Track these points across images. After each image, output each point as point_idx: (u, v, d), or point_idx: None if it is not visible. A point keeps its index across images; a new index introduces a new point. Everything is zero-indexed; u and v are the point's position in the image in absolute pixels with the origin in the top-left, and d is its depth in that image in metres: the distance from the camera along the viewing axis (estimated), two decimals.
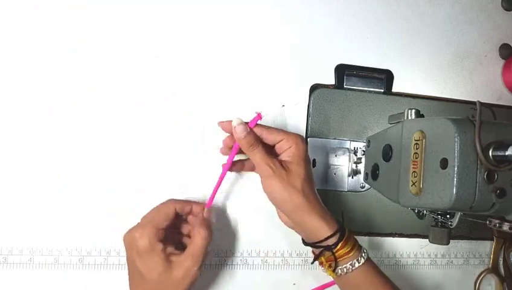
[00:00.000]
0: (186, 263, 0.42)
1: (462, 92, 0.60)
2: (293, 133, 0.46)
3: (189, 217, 0.47)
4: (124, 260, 0.48)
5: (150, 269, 0.42)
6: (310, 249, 0.49)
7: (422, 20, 0.59)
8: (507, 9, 0.61)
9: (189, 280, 0.42)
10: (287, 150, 0.45)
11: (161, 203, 0.46)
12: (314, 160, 0.54)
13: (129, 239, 0.43)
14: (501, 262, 0.59)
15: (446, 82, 0.59)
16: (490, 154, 0.36)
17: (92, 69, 0.49)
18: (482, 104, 0.37)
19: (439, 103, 0.58)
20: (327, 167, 0.55)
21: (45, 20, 0.48)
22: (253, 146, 0.44)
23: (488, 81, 0.60)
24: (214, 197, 0.48)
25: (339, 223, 0.46)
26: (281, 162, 0.44)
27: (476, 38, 0.60)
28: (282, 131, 0.46)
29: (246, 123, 0.44)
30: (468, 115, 0.38)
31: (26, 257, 0.47)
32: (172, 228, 0.46)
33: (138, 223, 0.45)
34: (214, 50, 0.52)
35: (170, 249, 0.43)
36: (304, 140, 0.46)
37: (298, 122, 0.54)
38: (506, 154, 0.34)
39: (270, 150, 0.45)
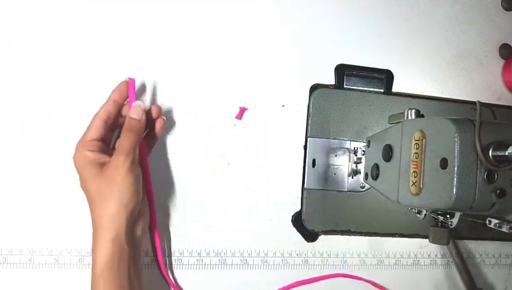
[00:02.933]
0: (114, 161, 0.41)
1: (462, 92, 0.60)
2: None
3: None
4: None
5: (86, 179, 0.42)
6: (309, 249, 0.49)
7: (422, 20, 0.59)
8: (507, 9, 0.61)
9: (122, 173, 0.41)
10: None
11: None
12: (314, 160, 0.54)
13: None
14: None
15: (446, 82, 0.59)
16: (490, 154, 0.36)
17: (92, 69, 0.49)
18: (482, 104, 0.37)
19: (439, 103, 0.58)
20: (327, 167, 0.55)
21: (45, 20, 0.48)
22: (138, 133, 0.44)
23: (488, 81, 0.60)
24: (133, 93, 0.46)
25: None
26: None
27: (476, 38, 0.60)
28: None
29: None
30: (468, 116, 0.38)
31: (26, 257, 0.47)
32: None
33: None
34: (214, 50, 0.52)
35: (106, 158, 0.43)
36: None
37: (298, 122, 0.54)
38: (506, 154, 0.34)
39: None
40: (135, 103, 0.45)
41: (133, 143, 0.42)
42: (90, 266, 0.48)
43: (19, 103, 0.47)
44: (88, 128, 0.44)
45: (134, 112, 0.44)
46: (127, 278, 0.41)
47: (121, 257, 0.41)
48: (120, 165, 0.41)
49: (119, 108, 0.46)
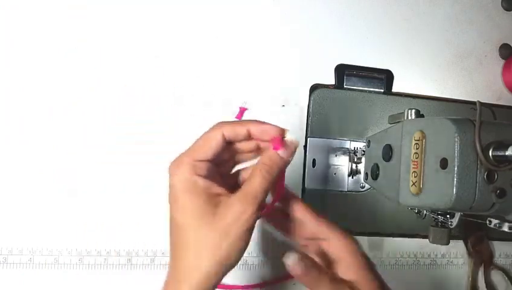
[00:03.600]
0: (236, 206, 0.31)
1: (462, 92, 0.60)
2: (341, 231, 0.35)
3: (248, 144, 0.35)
4: (124, 260, 0.49)
5: (186, 213, 0.31)
6: None
7: (422, 20, 0.59)
8: (507, 9, 0.61)
9: (240, 227, 0.31)
10: (343, 262, 0.34)
11: (210, 128, 0.34)
12: (314, 160, 0.54)
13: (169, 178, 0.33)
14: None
15: (446, 82, 0.59)
16: (490, 154, 0.36)
17: (92, 69, 0.49)
18: (482, 104, 0.37)
19: (439, 103, 0.58)
20: (327, 167, 0.55)
21: (45, 20, 0.48)
22: (317, 280, 0.33)
23: (488, 81, 0.60)
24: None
25: None
26: (350, 287, 0.33)
27: (476, 38, 0.60)
28: (331, 227, 0.35)
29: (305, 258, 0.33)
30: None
31: (26, 257, 0.47)
32: (226, 162, 0.35)
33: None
34: (213, 50, 0.52)
35: (218, 189, 0.32)
36: (357, 241, 0.36)
37: (298, 122, 0.54)
38: (506, 154, 0.34)
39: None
40: (291, 138, 0.33)
41: (267, 189, 0.32)
42: (90, 266, 0.48)
43: (19, 103, 0.47)
44: (198, 141, 0.33)
45: (288, 153, 0.33)
46: None
47: None
48: (245, 218, 0.31)
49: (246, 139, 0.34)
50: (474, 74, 0.60)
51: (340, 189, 0.55)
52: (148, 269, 0.50)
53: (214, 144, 0.32)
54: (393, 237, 0.57)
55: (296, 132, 0.54)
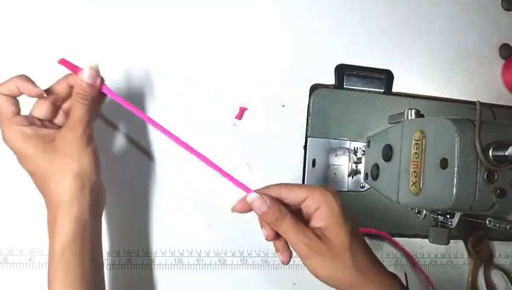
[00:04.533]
0: (69, 134, 0.37)
1: (462, 92, 0.60)
2: (319, 187, 0.37)
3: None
4: (125, 259, 0.49)
5: (32, 160, 0.37)
6: None
7: (422, 20, 0.59)
8: (507, 9, 0.62)
9: (84, 150, 0.38)
10: (317, 212, 0.37)
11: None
12: (314, 160, 0.54)
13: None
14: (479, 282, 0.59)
15: (446, 82, 0.59)
16: (490, 154, 0.36)
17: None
18: (482, 104, 0.37)
19: (439, 103, 0.58)
20: (327, 167, 0.55)
21: (45, 20, 0.48)
22: (278, 219, 0.36)
23: (488, 81, 0.60)
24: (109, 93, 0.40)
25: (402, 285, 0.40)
26: (314, 232, 0.36)
27: (476, 38, 0.60)
28: (304, 187, 0.39)
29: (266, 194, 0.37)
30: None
31: (26, 257, 0.47)
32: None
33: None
34: (213, 50, 0.52)
35: (45, 130, 0.38)
36: (335, 193, 0.38)
37: (298, 122, 0.54)
38: (506, 154, 0.34)
39: (298, 215, 0.38)
40: (91, 64, 0.39)
41: (88, 112, 0.38)
42: None
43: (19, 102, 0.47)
44: (9, 101, 0.37)
45: (88, 74, 0.38)
46: (89, 259, 0.38)
47: (84, 236, 0.38)
48: (77, 138, 0.37)
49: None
50: (474, 74, 0.60)
51: (340, 189, 0.55)
52: (148, 269, 0.50)
53: (47, 112, 0.39)
54: (393, 237, 0.57)
55: (296, 132, 0.54)
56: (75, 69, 0.39)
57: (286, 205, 0.37)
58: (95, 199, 0.39)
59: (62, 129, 0.38)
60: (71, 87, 0.39)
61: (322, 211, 0.36)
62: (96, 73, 0.39)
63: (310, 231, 0.36)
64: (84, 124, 0.38)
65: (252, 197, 0.37)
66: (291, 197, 0.38)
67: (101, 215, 0.43)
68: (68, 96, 0.40)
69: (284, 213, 0.36)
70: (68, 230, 0.37)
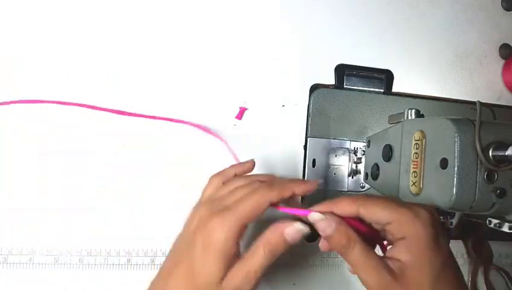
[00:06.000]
0: (238, 278, 0.32)
1: (462, 92, 0.60)
2: (408, 211, 0.31)
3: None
4: (124, 260, 0.48)
5: (206, 268, 0.32)
6: (310, 248, 0.49)
7: (422, 20, 0.59)
8: (507, 9, 0.61)
9: None
10: (401, 242, 0.31)
11: (253, 186, 0.34)
12: (314, 160, 0.54)
13: (201, 219, 0.33)
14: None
15: (446, 82, 0.59)
16: (490, 154, 0.36)
17: (91, 69, 0.49)
18: (482, 104, 0.37)
19: (439, 103, 0.58)
20: (327, 167, 0.55)
21: (45, 21, 0.48)
22: (345, 246, 0.31)
23: (488, 81, 0.60)
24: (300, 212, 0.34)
25: None
26: (390, 268, 0.31)
27: (476, 38, 0.60)
28: (389, 207, 0.31)
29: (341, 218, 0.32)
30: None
31: (26, 257, 0.47)
32: None
33: (221, 200, 0.33)
34: (213, 50, 0.52)
35: (239, 252, 0.33)
36: (430, 218, 0.31)
37: (298, 122, 0.54)
38: (506, 154, 0.34)
39: (372, 234, 0.32)
40: (300, 227, 0.33)
41: (267, 266, 0.32)
42: (91, 266, 0.48)
43: (19, 102, 0.48)
44: (247, 203, 0.33)
45: (293, 236, 0.33)
46: None
47: None
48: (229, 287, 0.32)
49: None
50: (474, 74, 0.60)
51: (340, 189, 0.55)
52: (148, 269, 0.49)
53: (260, 213, 0.33)
54: None
55: (296, 132, 0.54)
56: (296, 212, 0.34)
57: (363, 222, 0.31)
58: None
59: (236, 267, 0.32)
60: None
61: (408, 244, 0.31)
62: (300, 237, 0.33)
63: (384, 268, 0.30)
64: (256, 278, 0.32)
65: (315, 217, 0.32)
66: (371, 217, 0.31)
67: None
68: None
69: (353, 241, 0.31)
70: None
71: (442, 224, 0.45)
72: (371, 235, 0.32)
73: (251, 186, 0.34)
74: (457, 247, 0.58)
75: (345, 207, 0.32)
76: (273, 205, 0.34)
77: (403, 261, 0.31)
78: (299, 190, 0.35)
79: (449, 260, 0.32)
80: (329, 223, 0.31)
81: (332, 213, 0.32)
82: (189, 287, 0.32)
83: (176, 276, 0.33)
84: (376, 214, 0.31)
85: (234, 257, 0.32)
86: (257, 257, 0.32)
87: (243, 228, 0.32)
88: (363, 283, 0.31)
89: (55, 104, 0.48)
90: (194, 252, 0.32)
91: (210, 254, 0.32)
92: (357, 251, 0.31)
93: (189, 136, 0.51)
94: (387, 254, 0.32)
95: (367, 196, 0.33)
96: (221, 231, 0.31)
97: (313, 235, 0.33)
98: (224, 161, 0.52)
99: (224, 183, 0.38)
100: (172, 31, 0.51)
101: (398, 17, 0.58)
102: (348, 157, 0.56)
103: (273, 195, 0.33)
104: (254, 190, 0.33)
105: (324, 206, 0.32)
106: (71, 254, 0.48)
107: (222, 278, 0.31)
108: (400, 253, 0.31)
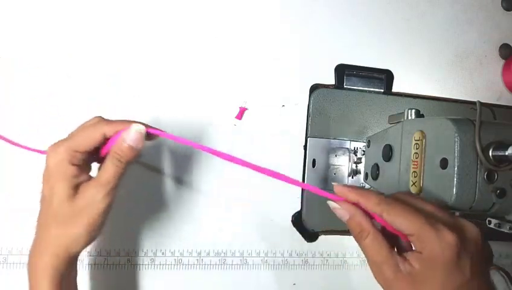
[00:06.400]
0: (90, 191, 0.35)
1: (462, 92, 0.60)
2: (433, 228, 0.31)
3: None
4: (124, 259, 0.49)
5: (52, 194, 0.36)
6: (309, 249, 0.49)
7: (422, 20, 0.59)
8: (507, 9, 0.61)
9: (92, 210, 0.35)
10: (419, 255, 0.31)
11: (90, 122, 0.37)
12: (314, 160, 0.54)
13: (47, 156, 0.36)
14: None
15: (446, 82, 0.59)
16: (490, 154, 0.36)
17: (90, 69, 0.49)
18: (482, 104, 0.37)
19: (439, 103, 0.58)
20: (327, 167, 0.55)
21: (45, 21, 0.48)
22: (358, 236, 0.33)
23: (488, 81, 0.60)
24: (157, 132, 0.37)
25: None
26: (399, 263, 0.31)
27: (476, 38, 0.60)
28: (416, 219, 0.31)
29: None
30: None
31: (26, 257, 0.47)
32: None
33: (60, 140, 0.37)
34: (213, 50, 0.52)
35: (83, 176, 0.36)
36: (455, 241, 0.30)
37: (298, 122, 0.54)
38: (506, 154, 0.34)
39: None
40: (137, 127, 0.35)
41: (119, 175, 0.36)
42: (91, 267, 0.48)
43: (18, 101, 0.47)
44: (79, 134, 0.36)
45: (133, 138, 0.35)
46: None
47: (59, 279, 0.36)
48: (98, 200, 0.35)
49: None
50: (474, 74, 0.60)
51: None
52: (149, 269, 0.50)
53: (92, 142, 0.36)
54: None
55: (296, 132, 0.54)
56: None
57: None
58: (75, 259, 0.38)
59: (89, 183, 0.36)
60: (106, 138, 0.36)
61: (424, 258, 0.31)
62: (141, 137, 0.36)
63: (389, 264, 0.31)
64: (110, 186, 0.36)
65: (332, 206, 0.34)
66: (391, 224, 0.32)
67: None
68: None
69: (365, 232, 0.32)
70: (46, 272, 0.36)
71: (483, 246, 0.41)
72: (392, 230, 0.33)
73: (90, 122, 0.37)
74: None
75: (369, 205, 0.33)
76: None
77: (415, 269, 0.31)
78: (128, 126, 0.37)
79: (472, 285, 0.31)
80: (344, 214, 0.33)
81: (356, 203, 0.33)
82: (48, 216, 0.36)
83: (40, 214, 0.38)
84: (397, 224, 0.31)
85: (76, 177, 0.36)
86: (107, 169, 0.36)
87: (75, 153, 0.36)
88: (370, 265, 0.33)
89: (55, 104, 0.48)
90: (42, 188, 0.37)
91: (50, 179, 0.36)
92: (368, 241, 0.32)
93: (191, 139, 0.51)
94: (406, 255, 0.32)
95: (394, 200, 0.33)
96: (52, 157, 0.36)
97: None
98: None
99: None
100: (172, 31, 0.51)
101: (398, 17, 0.58)
102: (348, 157, 0.56)
103: (105, 128, 0.36)
104: (90, 124, 0.37)
105: (352, 193, 0.33)
106: None
107: (72, 196, 0.35)
108: (415, 261, 0.31)
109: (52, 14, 0.48)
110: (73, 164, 0.36)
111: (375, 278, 0.32)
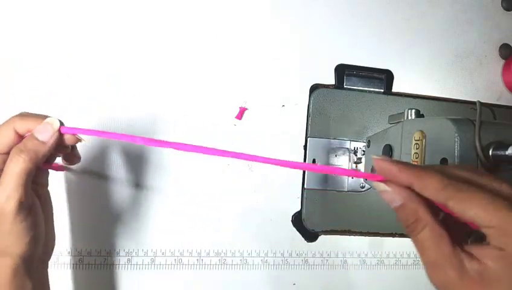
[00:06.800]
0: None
1: (462, 92, 0.60)
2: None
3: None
4: (124, 259, 0.49)
5: None
6: (309, 249, 0.49)
7: (422, 20, 0.59)
8: (507, 9, 0.61)
9: (12, 225, 0.31)
10: (496, 251, 0.25)
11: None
12: (314, 160, 0.54)
13: None
14: None
15: (446, 82, 0.59)
16: (490, 154, 0.36)
17: (90, 69, 0.49)
18: (482, 104, 0.37)
19: (439, 103, 0.58)
20: None
21: (45, 21, 0.48)
22: (412, 227, 0.27)
23: (488, 81, 0.60)
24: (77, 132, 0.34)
25: None
26: (464, 261, 0.26)
27: (476, 38, 0.60)
28: (498, 205, 0.25)
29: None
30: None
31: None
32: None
33: None
34: (213, 50, 0.52)
35: None
36: None
37: (298, 122, 0.54)
38: (506, 153, 0.34)
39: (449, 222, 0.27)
40: (48, 119, 0.33)
41: (26, 175, 0.32)
42: (91, 266, 0.48)
43: (19, 100, 0.48)
44: None
45: (42, 130, 0.32)
46: None
47: None
48: (5, 206, 0.31)
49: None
50: (474, 74, 0.60)
51: (340, 189, 0.55)
52: (149, 269, 0.50)
53: (5, 141, 0.32)
54: (393, 237, 0.57)
55: (296, 132, 0.54)
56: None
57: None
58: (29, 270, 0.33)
59: None
60: (19, 135, 0.33)
61: (505, 257, 0.25)
62: (54, 131, 0.32)
63: (453, 264, 0.26)
64: (13, 187, 0.31)
65: (379, 188, 0.27)
66: (462, 216, 0.25)
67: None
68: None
69: (421, 223, 0.26)
70: None
71: None
72: (461, 220, 0.26)
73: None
74: None
75: (430, 191, 0.26)
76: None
77: (489, 269, 0.25)
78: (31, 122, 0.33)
79: None
80: (393, 198, 0.27)
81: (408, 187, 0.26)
82: None
83: None
84: (471, 214, 0.25)
85: None
86: (11, 166, 0.31)
87: None
88: (431, 277, 0.28)
89: (55, 104, 0.48)
90: None
91: None
92: (425, 235, 0.26)
93: (191, 139, 0.51)
94: (471, 249, 0.26)
95: (462, 183, 0.26)
96: None
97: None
98: (223, 163, 0.52)
99: None
100: (172, 31, 0.51)
101: (398, 17, 0.58)
102: (348, 157, 0.56)
103: (16, 122, 0.33)
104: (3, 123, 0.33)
105: (404, 173, 0.27)
106: (71, 254, 0.48)
107: None
108: (490, 259, 0.25)
109: (52, 14, 0.48)
110: None
111: (431, 279, 0.27)
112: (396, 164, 0.27)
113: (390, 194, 0.27)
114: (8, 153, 0.32)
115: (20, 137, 0.33)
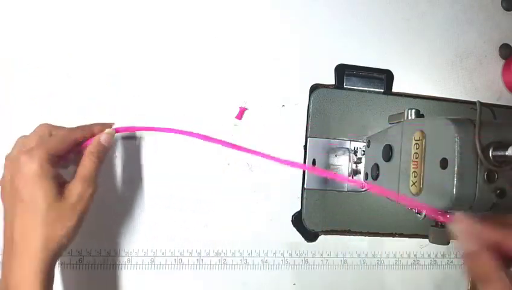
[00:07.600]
0: (78, 187, 0.39)
1: (462, 92, 0.60)
2: None
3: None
4: (124, 259, 0.49)
5: (39, 197, 0.37)
6: (309, 249, 0.49)
7: (422, 20, 0.59)
8: (507, 9, 0.61)
9: (83, 205, 0.39)
10: None
11: (60, 129, 0.43)
12: (314, 160, 0.54)
13: (12, 163, 0.38)
14: None
15: (446, 82, 0.59)
16: (490, 154, 0.36)
17: (91, 68, 0.49)
18: (482, 104, 0.37)
19: (439, 103, 0.58)
20: (327, 167, 0.55)
21: (45, 20, 0.48)
22: (479, 281, 0.27)
23: (488, 81, 0.60)
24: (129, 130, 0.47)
25: None
26: None
27: (476, 38, 0.60)
28: None
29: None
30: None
31: None
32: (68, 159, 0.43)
33: (25, 146, 0.40)
34: (213, 50, 0.52)
35: (62, 178, 0.40)
36: None
37: (298, 122, 0.54)
38: (506, 154, 0.34)
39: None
40: (109, 131, 0.44)
41: (97, 169, 0.41)
42: (91, 266, 0.48)
43: (18, 100, 0.48)
44: (55, 138, 0.41)
45: (106, 139, 0.43)
46: None
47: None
48: (89, 193, 0.40)
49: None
50: (474, 74, 0.60)
51: (340, 189, 0.55)
52: (149, 269, 0.50)
53: (66, 147, 0.40)
54: (393, 237, 0.57)
55: (296, 132, 0.54)
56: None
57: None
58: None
59: (74, 181, 0.40)
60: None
61: None
62: (111, 137, 0.44)
63: None
64: (92, 180, 0.40)
65: (458, 230, 0.28)
66: None
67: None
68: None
69: (491, 280, 0.26)
70: (28, 277, 0.36)
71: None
72: None
73: (57, 130, 0.42)
74: (457, 247, 0.58)
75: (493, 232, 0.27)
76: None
77: None
78: (97, 130, 0.44)
79: None
80: (467, 246, 0.28)
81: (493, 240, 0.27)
82: (35, 220, 0.37)
83: (19, 219, 0.38)
84: None
85: (57, 178, 0.39)
86: (88, 165, 0.40)
87: (52, 157, 0.38)
88: None
89: (55, 104, 0.48)
90: (20, 195, 0.37)
91: (32, 185, 0.37)
92: (486, 260, 0.27)
93: (191, 139, 0.51)
94: None
95: None
96: (31, 162, 0.37)
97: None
98: (223, 163, 0.52)
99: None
100: (172, 31, 0.51)
101: (398, 17, 0.58)
102: (348, 157, 0.56)
103: (76, 133, 0.42)
104: (64, 131, 0.42)
105: (492, 232, 0.27)
106: (71, 254, 0.48)
107: (58, 195, 0.38)
108: None
109: (52, 14, 0.48)
110: (53, 167, 0.38)
111: None
112: (480, 222, 0.28)
113: (467, 241, 0.28)
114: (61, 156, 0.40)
115: (76, 145, 0.42)
